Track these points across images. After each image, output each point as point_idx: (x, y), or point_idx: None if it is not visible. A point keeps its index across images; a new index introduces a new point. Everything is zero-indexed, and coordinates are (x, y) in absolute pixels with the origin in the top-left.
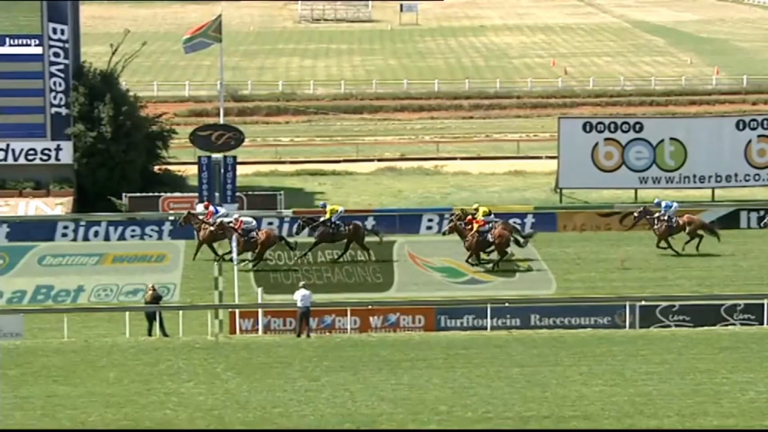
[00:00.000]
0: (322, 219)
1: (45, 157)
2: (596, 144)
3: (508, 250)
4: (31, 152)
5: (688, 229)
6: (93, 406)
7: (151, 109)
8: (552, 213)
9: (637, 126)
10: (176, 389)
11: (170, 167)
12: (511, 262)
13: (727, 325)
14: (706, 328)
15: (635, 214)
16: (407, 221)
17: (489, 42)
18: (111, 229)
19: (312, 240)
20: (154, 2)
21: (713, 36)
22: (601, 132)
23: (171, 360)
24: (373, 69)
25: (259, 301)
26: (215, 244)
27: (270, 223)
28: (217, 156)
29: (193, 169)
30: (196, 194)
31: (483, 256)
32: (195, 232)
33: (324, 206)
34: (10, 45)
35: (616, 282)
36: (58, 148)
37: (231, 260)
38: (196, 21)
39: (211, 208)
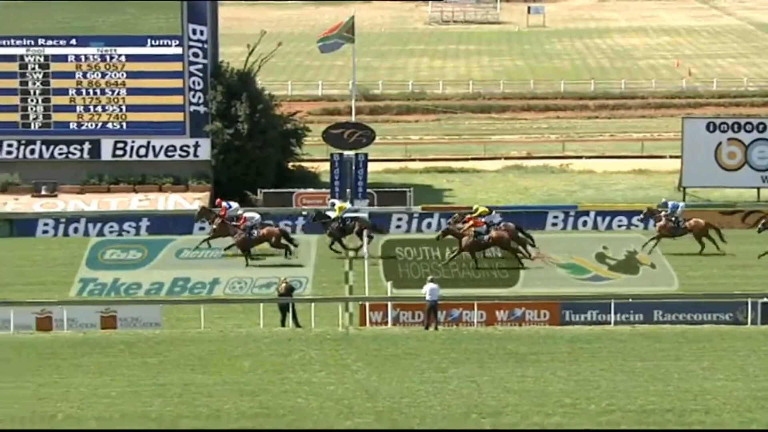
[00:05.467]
0: (332, 217)
1: (184, 154)
2: (719, 143)
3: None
4: (171, 149)
5: (693, 232)
6: (228, 395)
7: (285, 107)
8: None
9: (761, 126)
10: (308, 379)
11: (303, 164)
12: (634, 260)
13: None
14: None
15: (641, 216)
16: (533, 218)
17: (614, 43)
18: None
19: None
20: (288, 3)
21: None
22: (724, 132)
23: (303, 350)
24: (501, 69)
25: (389, 294)
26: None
27: (399, 219)
28: (348, 153)
29: (326, 166)
30: (329, 190)
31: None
32: (209, 226)
33: (333, 205)
34: (152, 45)
35: (738, 279)
36: (196, 145)
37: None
38: (330, 22)
39: (224, 204)
